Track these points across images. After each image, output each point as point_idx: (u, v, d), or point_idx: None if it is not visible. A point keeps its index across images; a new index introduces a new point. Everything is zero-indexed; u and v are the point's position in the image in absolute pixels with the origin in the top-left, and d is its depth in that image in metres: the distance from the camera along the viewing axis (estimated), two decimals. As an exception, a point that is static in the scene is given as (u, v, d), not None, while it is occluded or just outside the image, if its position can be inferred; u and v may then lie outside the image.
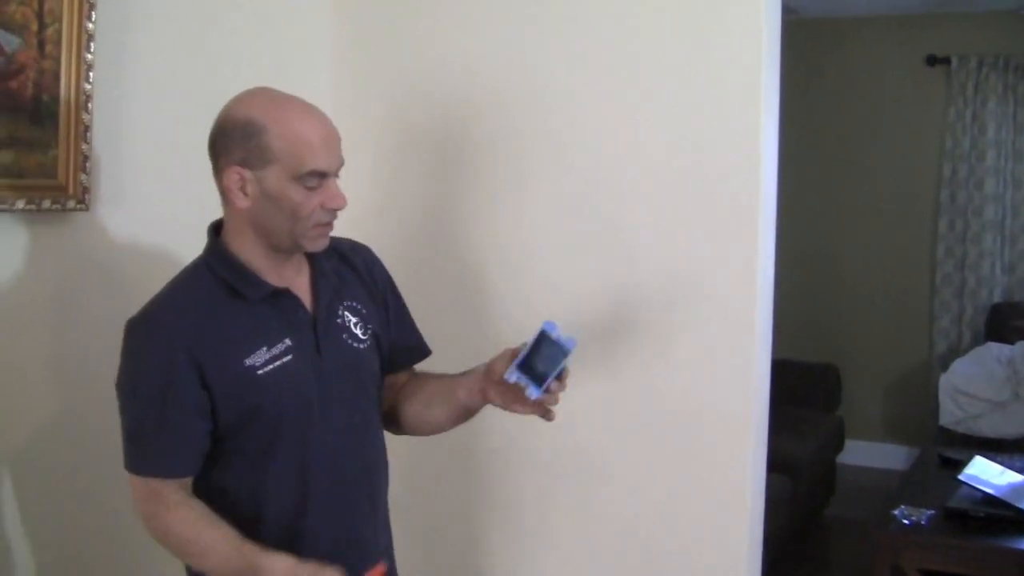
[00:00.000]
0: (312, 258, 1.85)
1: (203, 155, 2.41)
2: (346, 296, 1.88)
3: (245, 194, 1.73)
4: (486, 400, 1.90)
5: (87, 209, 2.16)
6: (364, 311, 1.90)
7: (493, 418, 2.02)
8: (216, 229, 1.84)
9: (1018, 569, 3.46)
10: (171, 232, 2.39)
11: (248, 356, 1.72)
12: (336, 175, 1.77)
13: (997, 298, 6.05)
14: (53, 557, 2.17)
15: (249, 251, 1.77)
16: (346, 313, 1.87)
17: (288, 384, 1.75)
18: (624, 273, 2.47)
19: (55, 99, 2.09)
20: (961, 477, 3.81)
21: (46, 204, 2.07)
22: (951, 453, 4.52)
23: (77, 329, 2.20)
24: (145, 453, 1.72)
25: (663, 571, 2.51)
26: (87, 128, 2.14)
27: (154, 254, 2.34)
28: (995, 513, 3.66)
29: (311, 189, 1.72)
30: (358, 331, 1.87)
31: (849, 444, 5.84)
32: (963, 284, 6.11)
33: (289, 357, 1.75)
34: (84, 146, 2.14)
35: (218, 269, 1.77)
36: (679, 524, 2.48)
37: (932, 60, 6.15)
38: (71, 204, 2.12)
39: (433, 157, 2.73)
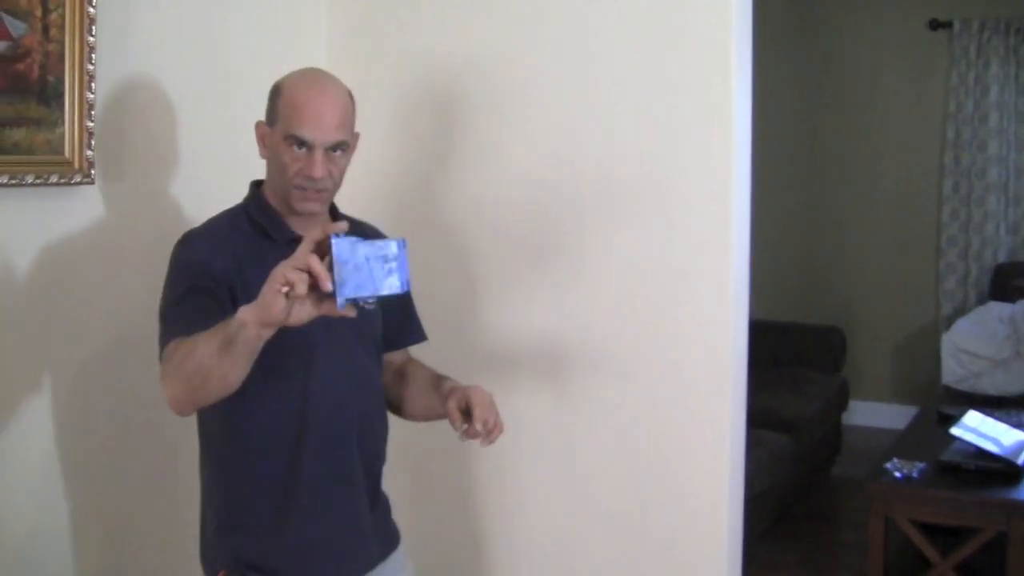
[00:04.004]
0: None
1: (200, 130, 2.56)
2: None
3: (264, 145, 1.98)
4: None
5: (93, 183, 2.28)
6: None
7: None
8: (260, 182, 2.07)
9: (1006, 519, 3.55)
10: (172, 203, 2.52)
11: None
12: (330, 151, 1.91)
13: (1001, 258, 6.08)
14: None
15: (278, 201, 1.99)
16: None
17: None
18: (599, 247, 2.57)
19: (60, 80, 2.21)
20: (953, 431, 3.87)
21: (54, 179, 2.21)
22: (949, 410, 4.57)
23: (83, 295, 2.32)
24: (173, 333, 1.79)
25: (644, 527, 2.61)
26: (91, 106, 2.26)
27: (156, 224, 2.45)
28: (985, 466, 3.72)
29: (297, 153, 1.91)
30: None
31: (856, 405, 5.93)
32: (968, 245, 6.14)
33: None
34: (89, 123, 2.26)
35: (253, 212, 2.00)
36: (660, 483, 2.58)
37: (935, 24, 6.18)
38: (78, 179, 2.25)
39: (417, 142, 2.84)
